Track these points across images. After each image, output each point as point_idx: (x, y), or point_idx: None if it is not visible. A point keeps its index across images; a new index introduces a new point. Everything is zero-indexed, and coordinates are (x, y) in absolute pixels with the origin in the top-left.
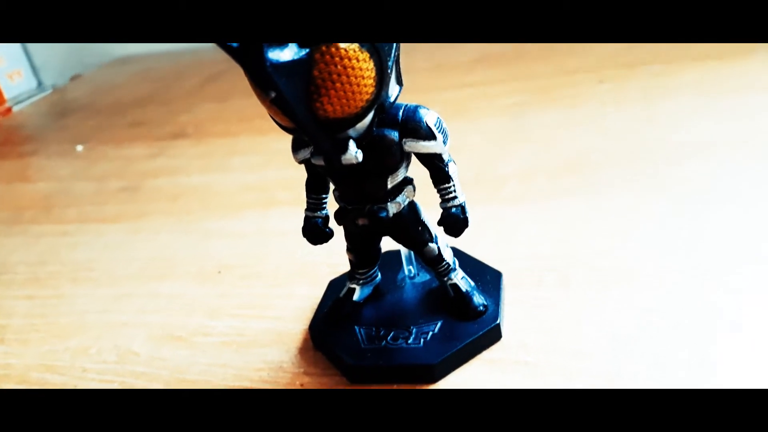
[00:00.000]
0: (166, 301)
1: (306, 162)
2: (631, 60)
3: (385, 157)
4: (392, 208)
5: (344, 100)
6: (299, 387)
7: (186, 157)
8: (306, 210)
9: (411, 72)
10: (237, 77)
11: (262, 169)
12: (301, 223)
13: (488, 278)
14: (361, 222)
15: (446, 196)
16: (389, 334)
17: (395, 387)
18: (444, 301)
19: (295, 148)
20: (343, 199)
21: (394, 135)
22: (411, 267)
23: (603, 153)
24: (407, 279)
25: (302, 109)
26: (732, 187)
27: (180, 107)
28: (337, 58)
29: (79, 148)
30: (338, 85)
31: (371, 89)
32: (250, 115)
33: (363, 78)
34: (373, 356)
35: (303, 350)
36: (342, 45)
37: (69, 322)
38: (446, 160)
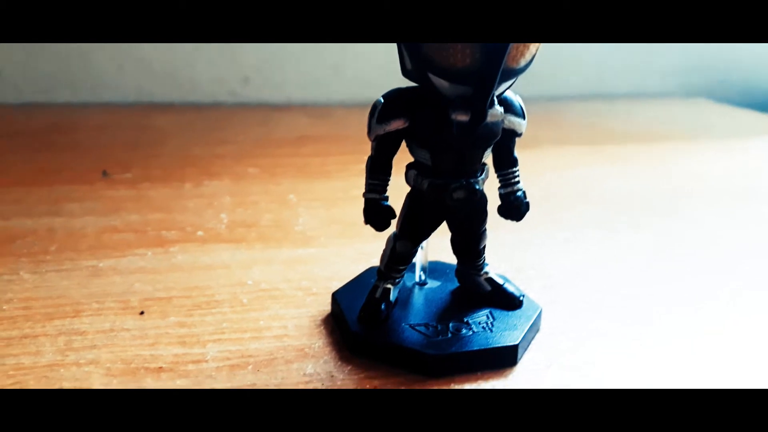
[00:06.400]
0: (101, 336)
1: (384, 137)
2: None
3: (493, 128)
4: (481, 184)
5: (525, 49)
6: (375, 387)
7: None
8: (369, 193)
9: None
10: None
11: (112, 213)
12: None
13: None
14: (456, 195)
15: (512, 180)
16: (448, 327)
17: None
18: (478, 296)
19: (387, 117)
20: (436, 173)
21: (502, 109)
22: (422, 273)
23: None
24: (416, 285)
25: None
26: None
27: None
28: None
29: None
30: None
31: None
32: (33, 169)
33: None
34: (449, 346)
35: (343, 359)
36: None
37: None
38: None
